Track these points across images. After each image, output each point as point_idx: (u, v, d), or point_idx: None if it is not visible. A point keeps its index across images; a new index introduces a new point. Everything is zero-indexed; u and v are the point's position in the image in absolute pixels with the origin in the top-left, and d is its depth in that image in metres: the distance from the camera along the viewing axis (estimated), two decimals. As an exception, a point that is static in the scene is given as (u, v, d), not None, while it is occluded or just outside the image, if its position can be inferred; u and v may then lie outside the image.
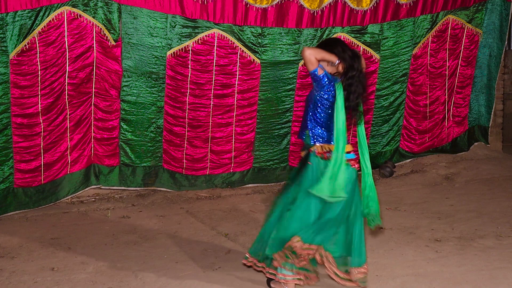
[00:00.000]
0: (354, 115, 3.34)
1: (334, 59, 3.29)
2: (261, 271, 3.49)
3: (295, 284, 3.38)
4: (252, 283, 3.62)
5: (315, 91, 3.34)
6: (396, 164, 7.19)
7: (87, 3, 5.28)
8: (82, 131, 5.65)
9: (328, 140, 3.33)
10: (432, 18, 6.96)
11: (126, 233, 4.78)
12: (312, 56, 3.22)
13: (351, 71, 3.28)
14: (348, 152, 3.29)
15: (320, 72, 3.24)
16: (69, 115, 5.52)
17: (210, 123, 6.12)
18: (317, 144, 3.32)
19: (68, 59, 5.35)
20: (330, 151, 3.27)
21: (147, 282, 3.66)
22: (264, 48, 6.10)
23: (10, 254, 4.24)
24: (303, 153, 3.44)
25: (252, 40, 6.02)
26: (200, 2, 5.67)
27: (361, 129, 3.46)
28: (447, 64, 7.29)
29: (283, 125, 6.46)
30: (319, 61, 3.24)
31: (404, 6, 6.65)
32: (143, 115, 5.87)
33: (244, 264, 3.58)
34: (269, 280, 3.52)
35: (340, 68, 3.30)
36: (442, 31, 7.10)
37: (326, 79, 3.25)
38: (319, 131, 3.34)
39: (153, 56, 5.72)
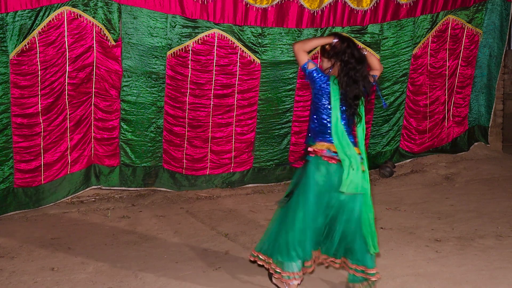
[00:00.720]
0: (353, 112, 3.28)
1: (330, 39, 3.26)
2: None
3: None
4: (252, 283, 3.62)
5: (312, 96, 3.30)
6: (396, 164, 7.18)
7: (87, 3, 5.27)
8: (82, 131, 5.64)
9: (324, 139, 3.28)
10: (432, 18, 6.95)
11: (126, 233, 4.78)
12: (301, 49, 3.22)
13: (349, 56, 3.20)
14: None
15: (310, 66, 3.23)
16: (69, 115, 5.52)
17: (210, 123, 6.12)
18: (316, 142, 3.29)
19: (68, 59, 5.35)
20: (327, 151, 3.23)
21: (147, 282, 3.66)
22: (264, 48, 6.09)
23: (10, 254, 4.24)
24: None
25: (252, 40, 6.02)
26: (200, 2, 5.66)
27: (360, 131, 3.35)
28: (447, 64, 7.29)
29: (283, 125, 6.45)
30: (317, 57, 3.23)
31: (404, 6, 6.64)
32: (143, 115, 5.86)
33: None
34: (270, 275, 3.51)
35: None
36: (442, 31, 7.09)
37: (316, 73, 3.22)
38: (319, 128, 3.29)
39: (153, 56, 5.72)
